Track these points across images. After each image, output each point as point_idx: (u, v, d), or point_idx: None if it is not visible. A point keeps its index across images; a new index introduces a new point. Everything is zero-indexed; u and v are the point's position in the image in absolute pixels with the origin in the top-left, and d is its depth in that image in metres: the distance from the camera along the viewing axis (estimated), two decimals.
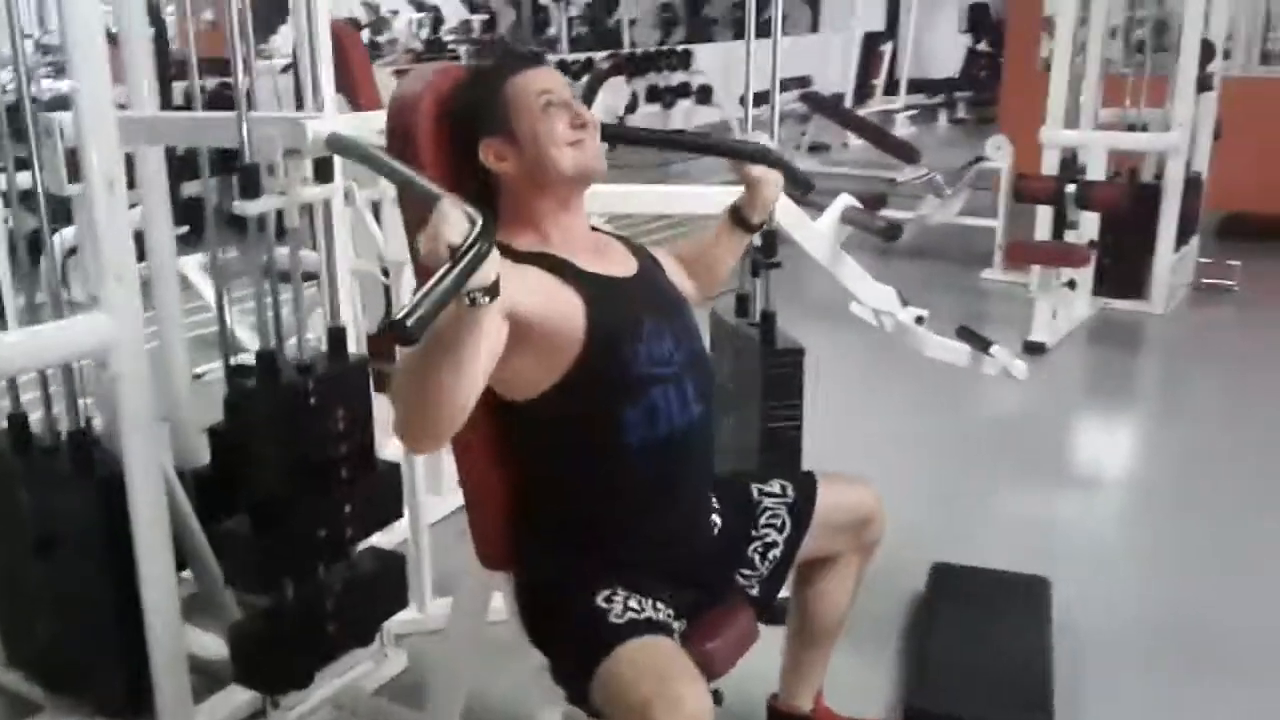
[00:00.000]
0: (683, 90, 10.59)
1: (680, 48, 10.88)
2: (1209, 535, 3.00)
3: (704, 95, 10.65)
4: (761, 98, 2.45)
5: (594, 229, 1.73)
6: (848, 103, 9.81)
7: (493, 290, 1.25)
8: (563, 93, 1.62)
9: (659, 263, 1.79)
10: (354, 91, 2.62)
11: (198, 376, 3.25)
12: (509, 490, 1.70)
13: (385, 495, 2.14)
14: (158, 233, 2.40)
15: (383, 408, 2.20)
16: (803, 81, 9.33)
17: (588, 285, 1.58)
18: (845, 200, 2.50)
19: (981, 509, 3.25)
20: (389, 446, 1.97)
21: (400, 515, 2.22)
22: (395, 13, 10.07)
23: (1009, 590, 2.46)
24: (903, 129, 10.30)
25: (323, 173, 1.97)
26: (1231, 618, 2.57)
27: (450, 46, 10.12)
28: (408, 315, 1.15)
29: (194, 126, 2.23)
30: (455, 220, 1.22)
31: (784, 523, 1.79)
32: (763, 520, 1.79)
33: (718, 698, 1.52)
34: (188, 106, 2.99)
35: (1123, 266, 4.90)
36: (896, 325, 2.55)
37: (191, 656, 2.13)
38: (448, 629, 1.99)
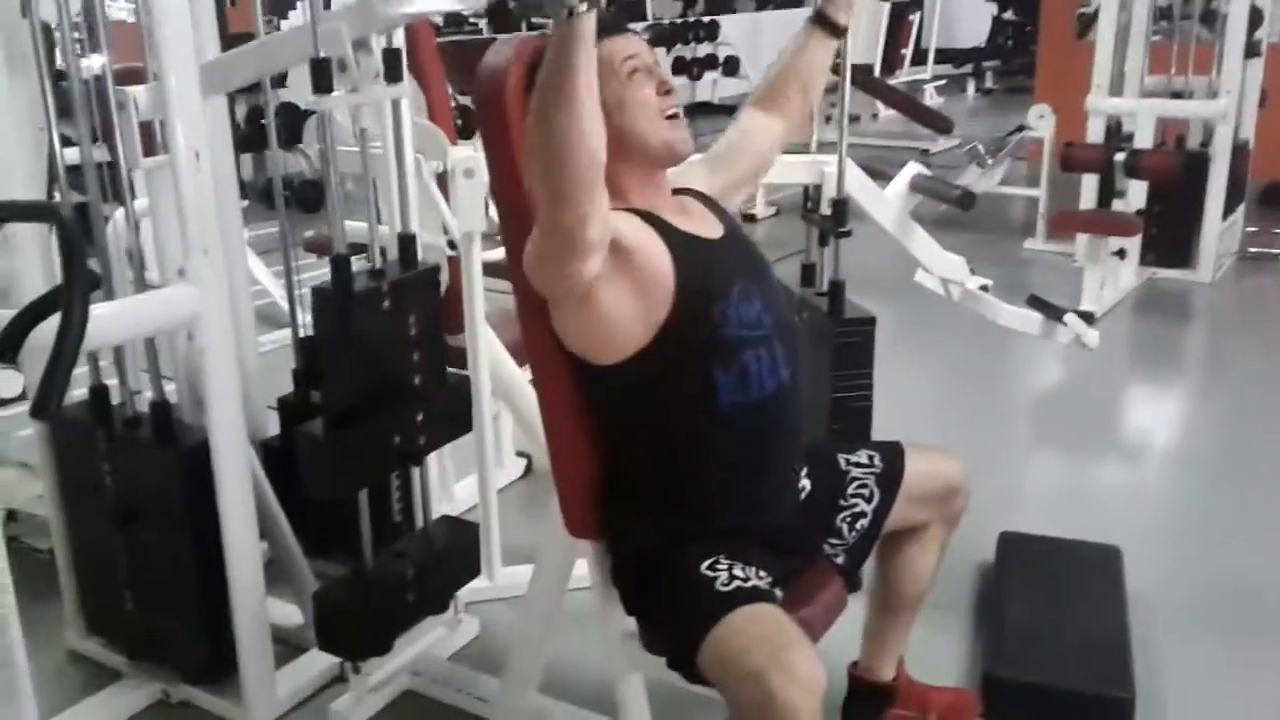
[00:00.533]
0: (710, 62, 10.51)
1: (706, 19, 10.79)
2: (1264, 501, 2.99)
3: (731, 66, 10.57)
4: None
5: (675, 191, 1.72)
6: (876, 73, 9.70)
7: (592, 1, 1.24)
8: (647, 58, 1.61)
9: (739, 223, 1.78)
10: (420, 71, 2.61)
11: None
12: (599, 460, 1.70)
13: (456, 408, 2.14)
14: (225, 206, 2.40)
15: None
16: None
17: (677, 242, 1.57)
18: (914, 168, 2.48)
19: (1037, 478, 3.26)
20: None
21: (469, 429, 2.23)
22: None
23: (1080, 559, 2.45)
24: (930, 99, 10.21)
25: (391, 71, 1.95)
26: None
27: (472, 20, 10.03)
28: None
29: (264, 52, 2.21)
30: None
31: (872, 493, 1.79)
32: (851, 490, 1.79)
33: None
34: None
35: (1170, 235, 4.85)
36: (964, 294, 2.54)
37: (271, 625, 2.15)
38: (528, 595, 1.99)
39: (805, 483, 1.76)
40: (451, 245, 2.51)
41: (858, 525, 1.78)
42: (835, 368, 2.35)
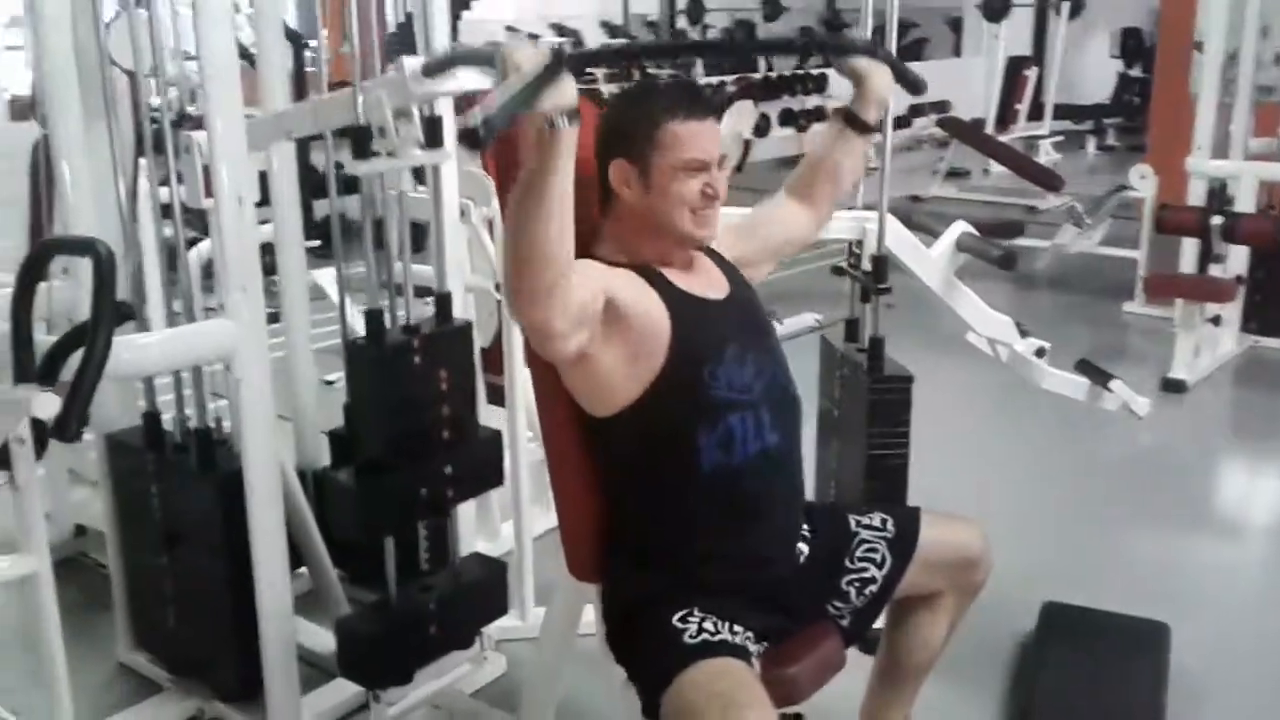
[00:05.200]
0: (818, 114, 10.49)
1: (816, 71, 10.80)
2: None
3: None
4: (897, 122, 2.42)
5: None
6: (989, 128, 9.56)
7: (573, 115, 1.28)
8: (713, 156, 1.60)
9: (750, 285, 1.79)
10: None
11: (329, 383, 3.41)
12: (599, 507, 1.73)
13: (485, 462, 2.16)
14: (289, 246, 2.52)
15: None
16: (939, 106, 9.16)
17: (675, 300, 1.60)
18: (961, 226, 2.45)
19: (1103, 551, 3.11)
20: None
21: (500, 483, 2.24)
22: (537, 37, 10.28)
23: (1124, 634, 2.36)
24: (1046, 156, 9.98)
25: (432, 137, 1.99)
26: None
27: (589, 72, 10.25)
28: (479, 122, 1.20)
29: (315, 111, 2.31)
30: (526, 51, 1.26)
31: (883, 558, 1.75)
32: (859, 553, 1.76)
33: None
34: None
35: (1272, 303, 4.63)
36: (1012, 356, 2.48)
37: (305, 649, 2.23)
38: (541, 636, 2.02)
39: (804, 546, 1.74)
40: (498, 288, 2.58)
41: (866, 590, 1.75)
42: (871, 424, 2.33)
